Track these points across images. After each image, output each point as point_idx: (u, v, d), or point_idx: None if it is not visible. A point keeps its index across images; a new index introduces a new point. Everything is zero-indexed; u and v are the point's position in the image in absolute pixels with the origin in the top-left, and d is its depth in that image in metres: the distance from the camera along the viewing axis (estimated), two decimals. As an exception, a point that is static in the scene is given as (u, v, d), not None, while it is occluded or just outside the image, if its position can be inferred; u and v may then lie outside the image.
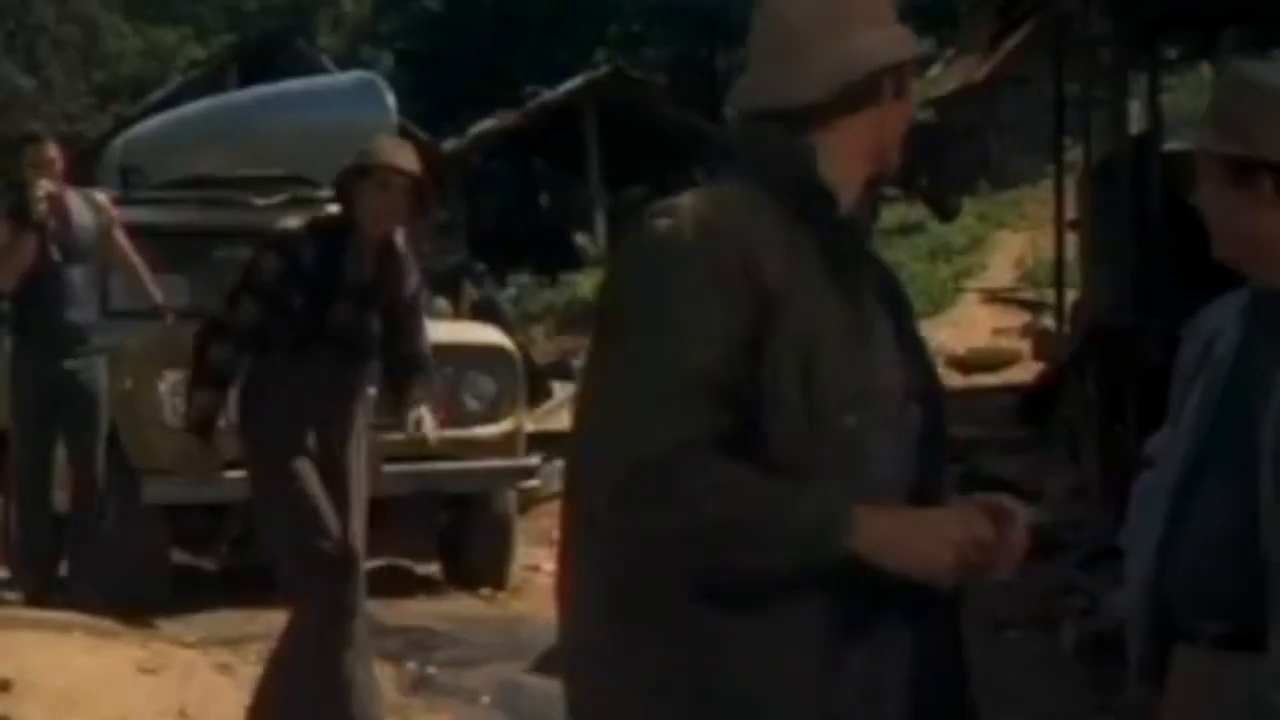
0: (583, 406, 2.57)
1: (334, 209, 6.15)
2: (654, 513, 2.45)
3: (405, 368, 6.17)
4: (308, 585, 5.84)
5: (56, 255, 8.45)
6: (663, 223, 2.54)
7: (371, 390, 6.22)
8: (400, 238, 6.11)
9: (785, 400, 2.48)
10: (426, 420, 6.10)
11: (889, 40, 2.65)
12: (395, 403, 6.20)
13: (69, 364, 8.53)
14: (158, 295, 8.93)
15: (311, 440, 5.90)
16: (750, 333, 2.47)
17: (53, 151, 8.65)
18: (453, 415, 6.44)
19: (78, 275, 8.55)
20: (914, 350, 2.66)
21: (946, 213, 23.25)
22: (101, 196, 8.87)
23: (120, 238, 8.77)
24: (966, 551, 2.47)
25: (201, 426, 5.90)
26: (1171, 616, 2.89)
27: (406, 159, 5.94)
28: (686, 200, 2.59)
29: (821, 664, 2.50)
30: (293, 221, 6.08)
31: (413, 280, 6.17)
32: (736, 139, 2.71)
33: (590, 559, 2.58)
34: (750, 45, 2.71)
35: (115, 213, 8.80)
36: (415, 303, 6.23)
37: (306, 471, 5.85)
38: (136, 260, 8.79)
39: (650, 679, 2.52)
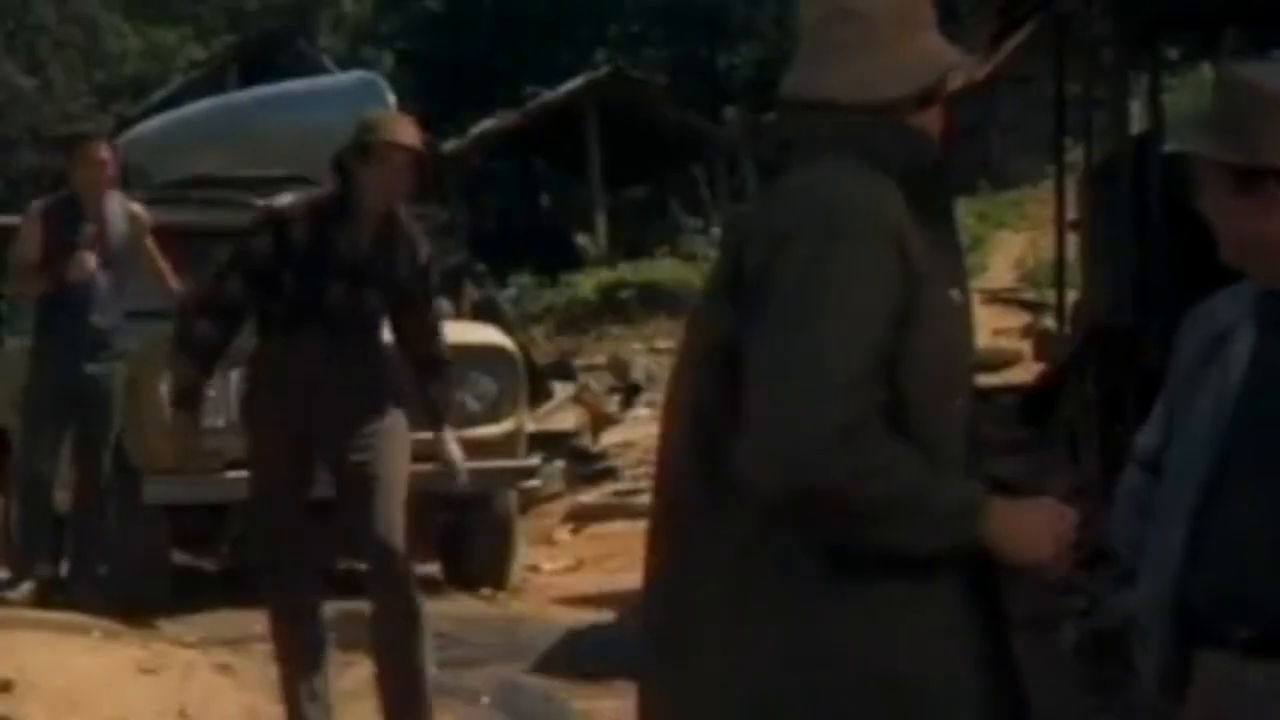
0: (757, 371, 2.55)
1: (329, 185, 6.03)
2: (835, 481, 2.50)
3: (422, 365, 6.06)
4: (267, 588, 5.96)
5: (90, 263, 8.43)
6: (825, 202, 2.61)
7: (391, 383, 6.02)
8: (402, 211, 6.01)
9: (920, 379, 2.59)
10: (455, 457, 6.09)
11: (946, 45, 2.83)
12: (424, 417, 6.08)
13: (90, 368, 8.53)
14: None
15: (313, 433, 5.79)
16: (903, 310, 2.57)
17: (104, 152, 8.62)
18: (453, 416, 6.36)
19: (105, 281, 8.52)
20: None
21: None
22: (137, 205, 8.82)
23: (150, 245, 8.72)
24: (1062, 544, 2.66)
25: (182, 398, 5.84)
26: (1196, 622, 2.83)
27: (408, 133, 5.86)
28: (833, 177, 2.65)
29: (960, 645, 2.64)
30: (286, 199, 6.04)
31: (421, 252, 6.02)
32: (838, 125, 2.73)
33: (726, 539, 2.61)
34: (816, 38, 2.79)
35: (149, 221, 8.76)
36: (425, 276, 6.07)
37: (280, 477, 5.83)
38: (164, 265, 8.73)
39: (809, 653, 2.58)
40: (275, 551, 5.91)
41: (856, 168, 2.67)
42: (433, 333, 6.12)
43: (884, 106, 2.74)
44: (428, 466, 6.10)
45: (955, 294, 2.69)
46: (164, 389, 8.87)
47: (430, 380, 6.08)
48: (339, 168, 5.84)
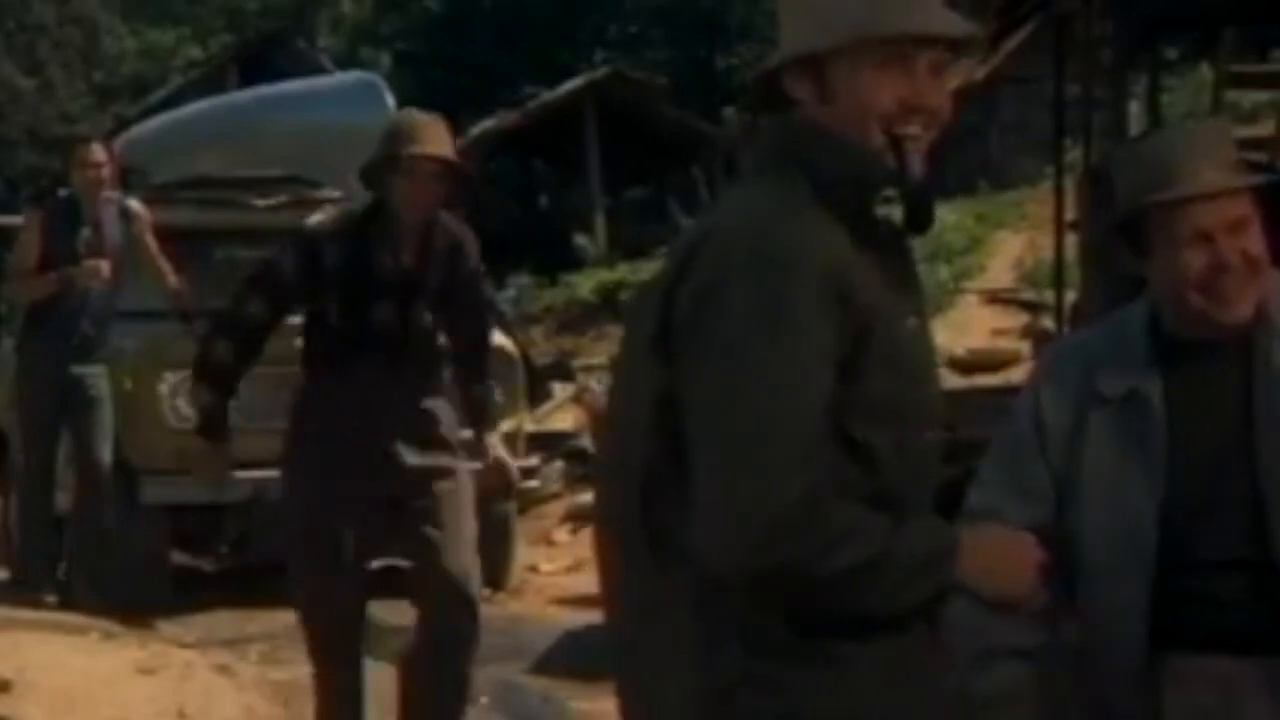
0: (702, 444, 2.35)
1: (361, 199, 5.68)
2: (797, 560, 2.32)
3: (468, 367, 5.77)
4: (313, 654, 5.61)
5: (105, 270, 8.43)
6: (756, 249, 2.37)
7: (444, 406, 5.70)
8: (444, 217, 5.64)
9: (879, 423, 2.41)
10: (506, 461, 5.81)
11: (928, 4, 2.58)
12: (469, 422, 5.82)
13: (77, 370, 8.53)
14: (180, 300, 8.83)
15: (378, 474, 5.41)
16: (851, 356, 2.37)
17: (100, 153, 8.62)
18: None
19: (98, 284, 8.52)
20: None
21: (920, 223, 23.35)
22: (135, 203, 8.80)
23: (150, 242, 8.70)
24: (1034, 571, 2.53)
25: (206, 428, 5.51)
26: (1174, 625, 2.89)
27: (437, 142, 5.45)
28: (765, 215, 2.41)
29: (937, 689, 2.52)
30: (317, 217, 5.65)
31: (470, 257, 5.66)
32: (783, 132, 2.52)
33: (687, 603, 2.44)
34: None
35: (148, 218, 8.75)
36: (476, 280, 5.75)
37: (327, 538, 5.41)
38: (164, 265, 8.72)
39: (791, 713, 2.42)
40: (317, 613, 5.52)
41: (791, 196, 2.43)
42: (483, 339, 5.83)
43: (811, 59, 2.46)
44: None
45: (912, 321, 2.49)
46: (162, 389, 8.90)
47: (475, 382, 5.79)
48: (369, 181, 5.53)
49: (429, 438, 5.53)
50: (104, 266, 8.40)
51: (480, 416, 5.84)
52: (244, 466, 6.13)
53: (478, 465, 5.75)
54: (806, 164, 2.47)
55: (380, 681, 5.80)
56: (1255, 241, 2.93)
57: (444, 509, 5.52)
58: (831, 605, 2.37)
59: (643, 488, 2.46)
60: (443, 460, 5.54)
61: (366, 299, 5.42)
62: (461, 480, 5.60)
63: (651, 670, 2.51)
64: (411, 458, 5.47)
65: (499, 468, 5.80)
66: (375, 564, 5.78)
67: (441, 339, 5.64)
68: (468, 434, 5.83)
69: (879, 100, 2.45)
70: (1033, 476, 3.01)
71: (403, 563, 5.69)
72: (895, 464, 2.42)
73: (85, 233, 8.48)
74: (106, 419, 8.61)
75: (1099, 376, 2.99)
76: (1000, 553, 2.52)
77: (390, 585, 6.26)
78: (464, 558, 5.57)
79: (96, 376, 8.59)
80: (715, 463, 2.33)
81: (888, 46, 2.45)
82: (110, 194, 8.65)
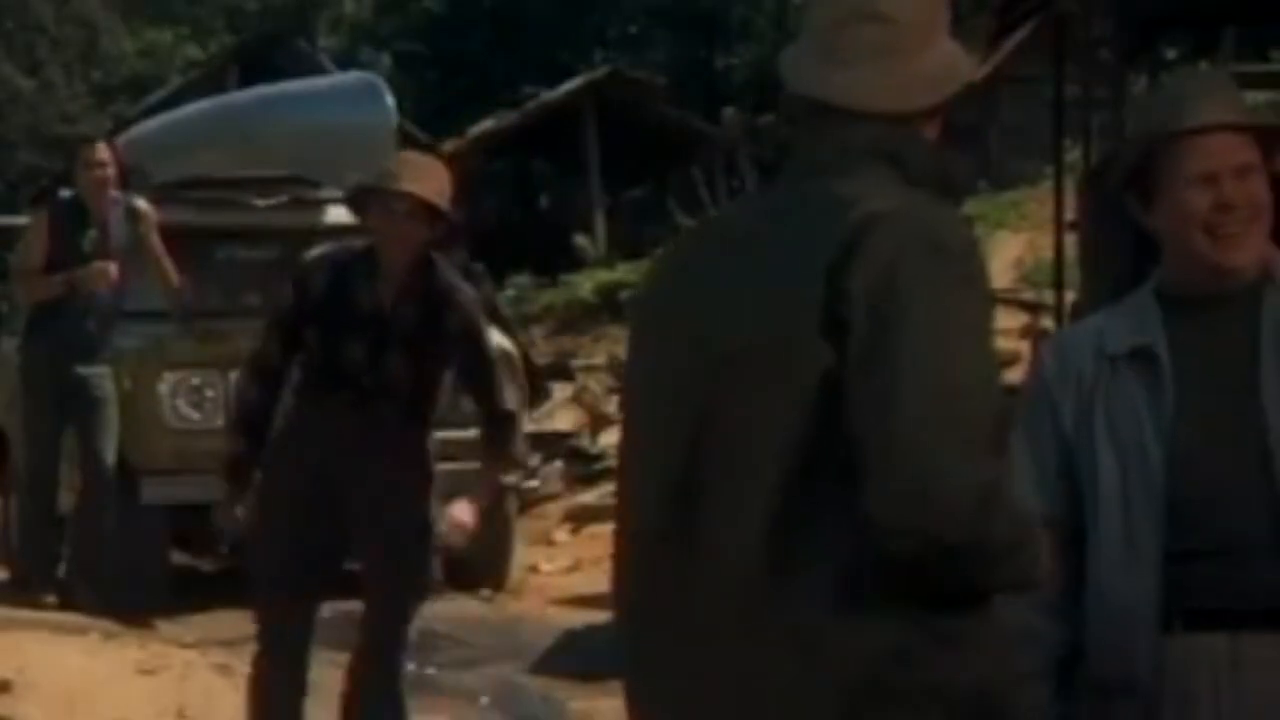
0: (909, 430, 2.36)
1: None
2: (987, 537, 2.38)
3: (485, 419, 5.59)
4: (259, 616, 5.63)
5: (112, 272, 8.43)
6: (930, 233, 2.46)
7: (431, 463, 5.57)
8: (442, 266, 5.47)
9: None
10: (454, 531, 5.58)
11: (961, 50, 2.70)
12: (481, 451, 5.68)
13: (81, 370, 8.53)
14: (181, 299, 8.82)
15: (334, 495, 5.38)
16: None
17: (104, 153, 8.62)
18: (451, 416, 6.15)
19: (105, 285, 8.52)
20: None
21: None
22: (140, 202, 8.81)
23: (155, 242, 8.70)
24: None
25: (229, 473, 5.51)
26: (1189, 609, 2.90)
27: (419, 181, 5.28)
28: (915, 203, 2.51)
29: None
30: (315, 250, 5.56)
31: (460, 315, 5.42)
32: (874, 137, 2.59)
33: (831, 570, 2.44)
34: (834, 38, 2.63)
35: (154, 218, 8.75)
36: (473, 340, 5.49)
37: (285, 528, 5.41)
38: (168, 264, 8.72)
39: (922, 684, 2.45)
40: (268, 594, 5.54)
41: (907, 189, 2.55)
42: (489, 396, 5.57)
43: (907, 116, 2.61)
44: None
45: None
46: (162, 389, 8.91)
47: (492, 429, 5.60)
48: (351, 208, 5.47)
49: (394, 488, 5.39)
50: (111, 268, 8.40)
51: (491, 459, 5.67)
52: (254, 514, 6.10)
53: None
54: (900, 159, 2.58)
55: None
56: (1260, 188, 2.96)
57: (401, 575, 5.48)
58: (978, 581, 2.44)
59: (773, 478, 2.44)
60: (407, 518, 5.43)
61: (341, 335, 5.34)
62: (421, 556, 5.52)
63: (748, 675, 2.48)
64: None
65: (456, 527, 5.58)
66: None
67: (423, 391, 5.48)
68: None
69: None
70: (1045, 466, 3.01)
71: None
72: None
73: (91, 234, 8.48)
74: (112, 420, 8.61)
75: (1105, 338, 3.02)
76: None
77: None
78: (400, 624, 5.54)
79: (102, 377, 8.59)
80: (917, 444, 2.35)
81: None
82: (115, 194, 8.65)
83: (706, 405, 2.53)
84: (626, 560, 2.68)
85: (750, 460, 2.48)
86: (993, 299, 2.51)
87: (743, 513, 2.48)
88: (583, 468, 14.37)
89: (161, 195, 9.77)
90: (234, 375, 7.57)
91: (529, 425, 10.43)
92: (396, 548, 5.43)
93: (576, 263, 24.94)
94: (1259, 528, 2.88)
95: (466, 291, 5.54)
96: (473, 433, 5.79)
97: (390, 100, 10.42)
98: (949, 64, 2.66)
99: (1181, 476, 2.90)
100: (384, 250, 5.33)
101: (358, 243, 5.53)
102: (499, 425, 5.59)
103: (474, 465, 5.75)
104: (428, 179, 5.32)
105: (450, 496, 5.59)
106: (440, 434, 5.74)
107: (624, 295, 22.46)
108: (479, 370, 5.54)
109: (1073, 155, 13.96)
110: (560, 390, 16.21)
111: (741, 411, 2.50)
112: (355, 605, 5.61)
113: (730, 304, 2.54)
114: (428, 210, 5.27)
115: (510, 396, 5.75)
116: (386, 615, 5.52)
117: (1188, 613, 2.89)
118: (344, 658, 5.95)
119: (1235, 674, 2.88)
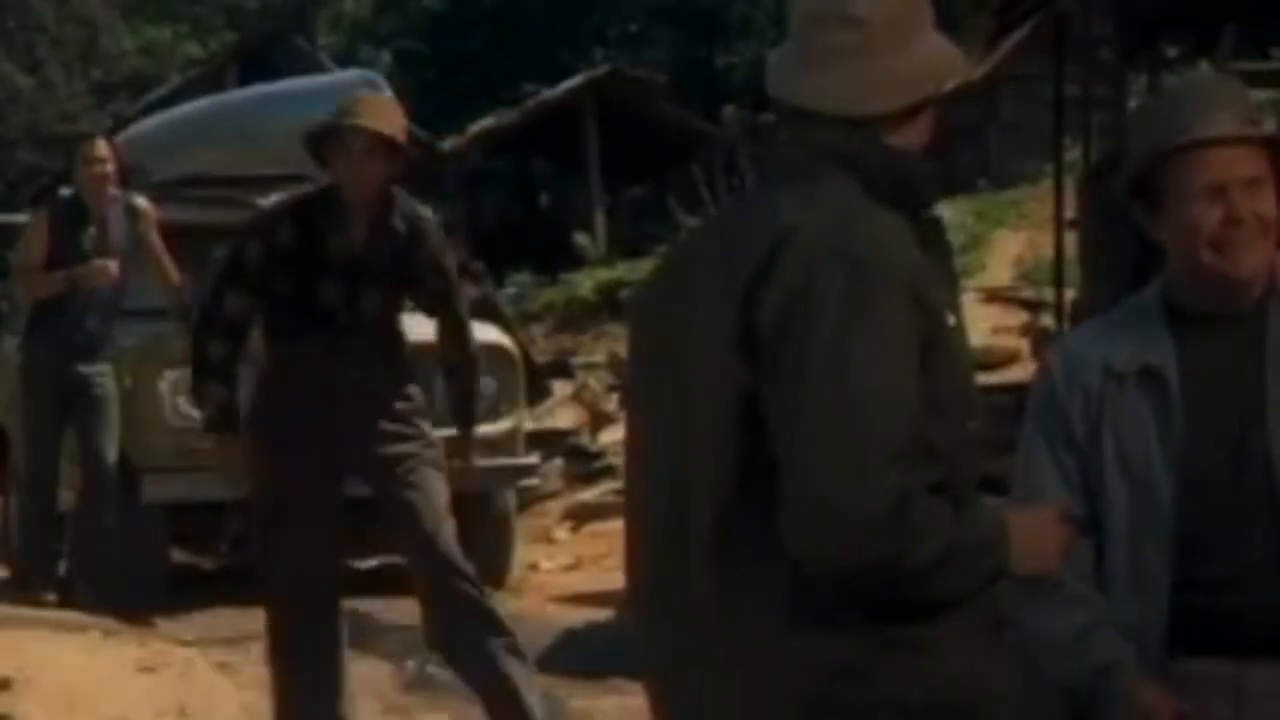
0: (799, 443, 2.40)
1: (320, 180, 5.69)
2: (892, 556, 2.39)
3: (448, 362, 5.80)
4: (275, 605, 5.68)
5: (113, 269, 8.43)
6: (847, 252, 2.44)
7: (415, 390, 5.70)
8: (403, 200, 5.58)
9: (944, 417, 2.49)
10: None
11: (943, 48, 2.65)
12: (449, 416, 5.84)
13: (83, 369, 8.52)
14: (181, 297, 8.82)
15: (340, 443, 5.48)
16: (924, 357, 2.46)
17: (104, 150, 8.62)
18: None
19: (106, 283, 8.51)
20: None
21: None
22: (140, 200, 8.81)
23: (155, 240, 8.70)
24: (1065, 548, 2.62)
25: (222, 422, 5.54)
26: (1193, 633, 2.89)
27: (377, 117, 5.41)
28: (848, 216, 2.49)
29: (1009, 666, 2.59)
30: (270, 200, 5.70)
31: (428, 244, 5.59)
32: (836, 145, 2.57)
33: (769, 589, 2.47)
34: (805, 38, 2.62)
35: (154, 216, 8.75)
36: (438, 270, 5.67)
37: (302, 492, 5.51)
38: (168, 262, 8.70)
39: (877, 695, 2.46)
40: (289, 564, 5.56)
41: (857, 197, 2.52)
42: (455, 330, 5.79)
43: (866, 120, 2.57)
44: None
45: (951, 319, 2.57)
46: (162, 387, 8.90)
47: (454, 377, 5.83)
48: (310, 151, 5.50)
49: (390, 413, 5.53)
50: (112, 266, 8.41)
51: (462, 418, 5.83)
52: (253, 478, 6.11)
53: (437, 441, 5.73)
54: (860, 169, 2.55)
55: (378, 681, 5.81)
56: (1268, 203, 2.91)
57: (412, 476, 5.56)
58: (913, 594, 2.44)
59: (715, 487, 2.48)
60: (411, 444, 5.55)
61: (315, 278, 5.45)
62: (426, 454, 5.61)
63: (727, 670, 2.51)
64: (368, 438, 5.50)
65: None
66: (366, 564, 5.79)
67: (401, 323, 5.65)
68: (449, 433, 5.84)
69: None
70: (1066, 469, 2.99)
71: (397, 559, 5.70)
72: (950, 455, 2.50)
73: (91, 231, 8.48)
74: (113, 418, 8.60)
75: (1113, 354, 2.97)
76: (1038, 534, 2.60)
77: (387, 585, 6.25)
78: (438, 517, 5.61)
79: (103, 375, 8.59)
80: (814, 462, 2.38)
81: None
82: (115, 191, 8.65)
83: (685, 410, 2.55)
84: (636, 560, 2.69)
85: (703, 474, 2.51)
86: (905, 315, 2.44)
87: (699, 527, 2.51)
88: (583, 465, 14.37)
89: (161, 193, 9.77)
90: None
91: (529, 423, 10.44)
92: (404, 468, 5.54)
93: (576, 261, 24.93)
94: (1265, 557, 2.86)
95: (431, 220, 5.69)
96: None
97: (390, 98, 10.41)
98: (927, 64, 2.61)
99: (1190, 506, 2.89)
100: (347, 190, 5.45)
101: (311, 188, 5.65)
102: (463, 365, 5.79)
103: (475, 463, 5.82)
104: (383, 115, 5.47)
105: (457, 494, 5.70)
106: (440, 433, 5.77)
107: (624, 294, 22.48)
108: (446, 294, 5.72)
109: (1073, 154, 13.96)
110: (560, 388, 16.21)
111: (694, 424, 2.52)
112: (357, 604, 5.60)
113: (692, 313, 2.56)
114: (386, 145, 5.38)
115: (473, 327, 5.92)
116: (430, 531, 5.58)
117: (1192, 639, 2.88)
118: (354, 655, 5.96)
119: (1239, 704, 2.87)
